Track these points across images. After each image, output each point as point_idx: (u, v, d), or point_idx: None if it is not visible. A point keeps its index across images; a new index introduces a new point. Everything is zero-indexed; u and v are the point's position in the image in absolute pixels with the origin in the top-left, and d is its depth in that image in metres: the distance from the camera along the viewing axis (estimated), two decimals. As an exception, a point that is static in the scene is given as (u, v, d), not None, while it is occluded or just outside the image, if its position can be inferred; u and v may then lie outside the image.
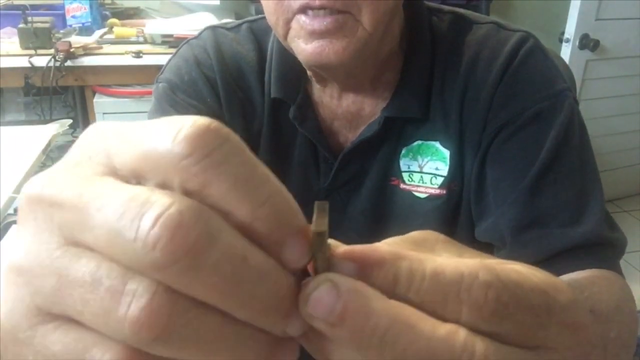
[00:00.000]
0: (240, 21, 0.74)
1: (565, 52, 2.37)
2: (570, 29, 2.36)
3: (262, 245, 0.22)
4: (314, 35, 0.54)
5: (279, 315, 0.22)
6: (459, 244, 0.27)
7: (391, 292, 0.22)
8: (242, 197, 0.21)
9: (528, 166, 0.61)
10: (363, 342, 0.21)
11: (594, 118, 2.67)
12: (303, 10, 0.54)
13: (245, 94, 0.69)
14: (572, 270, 0.56)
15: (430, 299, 0.22)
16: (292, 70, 0.67)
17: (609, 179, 2.85)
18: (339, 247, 0.24)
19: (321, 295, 0.22)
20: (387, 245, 0.24)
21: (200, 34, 0.73)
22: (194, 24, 2.17)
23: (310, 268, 0.24)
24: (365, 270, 0.23)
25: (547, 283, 0.24)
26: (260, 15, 0.71)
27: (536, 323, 0.23)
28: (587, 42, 2.39)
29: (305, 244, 0.22)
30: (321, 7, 0.53)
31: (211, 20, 2.23)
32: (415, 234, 0.27)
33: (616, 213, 2.91)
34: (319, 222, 0.24)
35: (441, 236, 0.27)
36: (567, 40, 2.38)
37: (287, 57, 0.66)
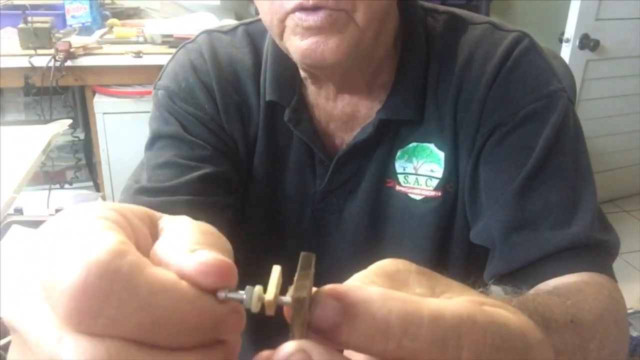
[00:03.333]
0: (236, 24, 0.74)
1: (565, 52, 2.37)
2: (570, 29, 2.36)
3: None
4: (310, 30, 0.54)
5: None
6: (431, 274, 0.27)
7: (380, 337, 0.22)
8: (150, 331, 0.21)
9: (520, 167, 0.61)
10: None
11: (594, 118, 2.67)
12: (297, 9, 0.54)
13: (241, 97, 0.69)
14: (562, 273, 0.56)
15: (428, 345, 0.22)
16: (287, 73, 0.67)
17: (609, 179, 2.85)
18: (324, 287, 0.23)
19: None
20: (374, 285, 0.23)
21: (196, 38, 0.73)
22: (194, 24, 2.17)
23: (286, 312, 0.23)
24: (350, 310, 0.22)
25: (523, 324, 0.25)
26: (256, 18, 0.72)
27: None
28: (587, 42, 2.39)
29: (235, 325, 0.23)
30: (315, 7, 0.53)
31: (211, 20, 2.23)
32: (386, 265, 0.26)
33: (616, 213, 2.91)
34: (299, 284, 0.23)
35: (413, 266, 0.27)
36: (567, 40, 2.38)
37: (282, 60, 0.66)
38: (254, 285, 0.24)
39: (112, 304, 0.21)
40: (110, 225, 0.23)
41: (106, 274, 0.21)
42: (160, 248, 0.24)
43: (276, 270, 0.24)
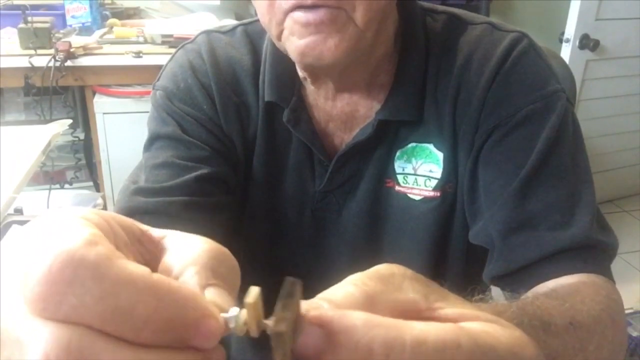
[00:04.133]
0: (234, 24, 0.74)
1: (565, 52, 2.37)
2: (570, 29, 2.36)
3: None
4: (309, 27, 0.54)
5: None
6: (426, 282, 0.27)
7: None
8: (114, 324, 0.21)
9: (518, 168, 0.61)
10: None
11: (594, 118, 2.67)
12: (295, 9, 0.54)
13: (240, 98, 0.69)
14: (561, 274, 0.56)
15: None
16: (286, 74, 0.67)
17: (609, 179, 2.85)
18: (309, 312, 0.23)
19: None
20: (359, 311, 0.23)
21: (195, 38, 0.73)
22: (194, 24, 2.17)
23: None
24: (333, 338, 0.22)
25: (515, 342, 0.24)
26: (254, 18, 0.71)
27: None
28: (587, 42, 2.39)
29: (207, 332, 0.22)
30: (313, 6, 0.53)
31: (211, 20, 2.23)
32: (382, 269, 0.26)
33: (616, 213, 2.91)
34: (280, 315, 0.22)
35: (408, 271, 0.27)
36: (567, 40, 2.38)
37: (281, 61, 0.66)
38: (241, 303, 0.23)
39: (75, 292, 0.21)
40: (88, 223, 0.24)
41: (72, 261, 0.21)
42: (176, 269, 0.25)
43: (254, 292, 0.23)
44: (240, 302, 0.24)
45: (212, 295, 0.24)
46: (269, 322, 0.23)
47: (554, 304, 0.45)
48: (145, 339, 0.22)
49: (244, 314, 0.23)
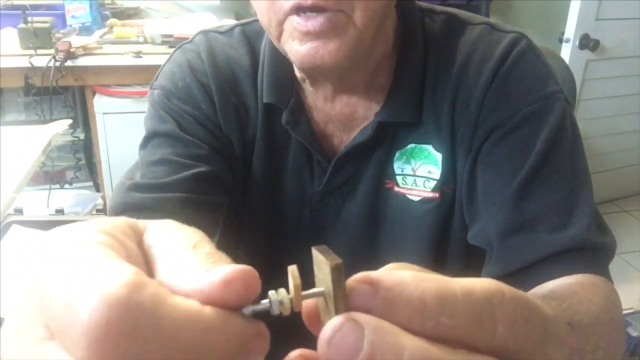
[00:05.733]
0: (232, 24, 0.74)
1: (565, 52, 2.37)
2: (570, 29, 2.36)
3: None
4: (309, 36, 0.54)
5: None
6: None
7: (418, 317, 0.21)
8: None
9: (517, 169, 0.61)
10: None
11: (594, 118, 2.67)
12: (295, 10, 0.54)
13: (239, 98, 0.69)
14: (559, 276, 0.56)
15: (465, 321, 0.21)
16: (284, 75, 0.67)
17: (609, 179, 2.85)
18: (354, 276, 0.23)
19: (345, 336, 0.21)
20: (402, 269, 0.23)
21: (193, 38, 0.73)
22: (193, 24, 2.17)
23: (306, 314, 0.23)
24: (385, 294, 0.22)
25: (536, 299, 0.25)
26: (252, 18, 0.71)
27: (542, 339, 0.23)
28: (587, 42, 2.39)
29: (258, 350, 0.22)
30: (313, 7, 0.53)
31: (211, 20, 2.23)
32: (392, 268, 0.26)
33: (616, 213, 2.91)
34: (331, 257, 0.22)
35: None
36: (567, 40, 2.38)
37: (279, 62, 0.66)
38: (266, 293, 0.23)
39: (137, 342, 0.19)
40: (111, 253, 0.22)
41: (128, 310, 0.19)
42: (169, 274, 0.23)
43: (292, 269, 0.23)
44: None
45: (225, 270, 0.22)
46: (314, 290, 0.23)
47: (552, 304, 0.45)
48: None
49: (283, 291, 0.23)
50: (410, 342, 0.20)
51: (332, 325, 0.21)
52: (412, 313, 0.21)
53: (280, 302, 0.23)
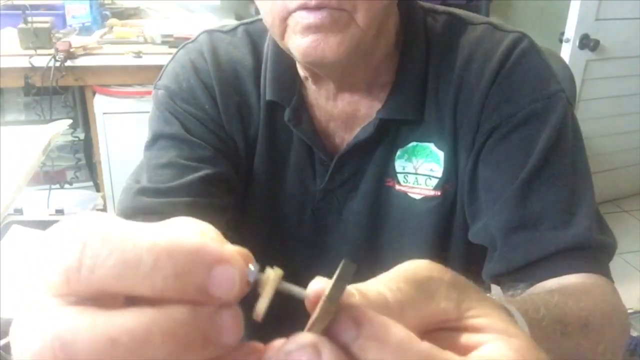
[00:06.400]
0: (236, 24, 0.74)
1: (565, 52, 2.37)
2: (570, 29, 2.36)
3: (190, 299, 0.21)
4: (310, 29, 0.55)
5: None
6: (464, 286, 0.27)
7: None
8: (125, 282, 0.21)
9: (519, 168, 0.61)
10: None
11: (594, 118, 2.67)
12: (300, 9, 0.54)
13: (241, 97, 0.69)
14: (562, 274, 0.56)
15: None
16: (287, 73, 0.67)
17: (609, 179, 2.85)
18: (352, 304, 0.23)
19: (300, 356, 0.21)
20: (400, 327, 0.23)
21: (196, 37, 0.73)
22: (194, 24, 2.17)
23: (310, 301, 0.23)
24: (363, 343, 0.22)
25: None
26: (256, 18, 0.72)
27: None
28: (587, 42, 2.39)
29: (228, 271, 0.22)
30: (317, 7, 0.54)
31: (211, 20, 2.23)
32: (420, 271, 0.26)
33: (616, 213, 2.91)
34: (335, 288, 0.22)
35: (448, 274, 0.26)
36: (567, 40, 2.38)
37: (282, 60, 0.67)
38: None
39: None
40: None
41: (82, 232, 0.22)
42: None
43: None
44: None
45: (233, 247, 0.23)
46: (301, 289, 0.23)
47: (569, 304, 0.46)
48: (160, 291, 0.21)
49: (269, 272, 0.23)
50: None
51: (297, 339, 0.22)
52: None
53: (257, 277, 0.23)
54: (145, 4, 2.61)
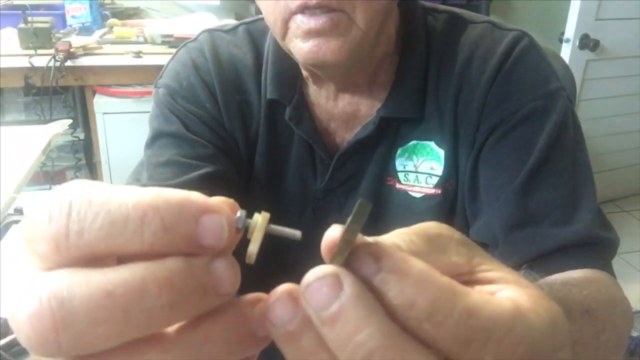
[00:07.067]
0: (236, 23, 0.74)
1: (565, 52, 2.37)
2: (570, 29, 2.36)
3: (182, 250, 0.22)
4: (311, 34, 0.55)
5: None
6: (472, 245, 0.26)
7: (403, 312, 0.21)
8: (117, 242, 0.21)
9: (520, 165, 0.61)
10: (340, 353, 0.20)
11: (594, 118, 2.66)
12: (301, 10, 0.54)
13: (242, 96, 0.70)
14: (564, 270, 0.56)
15: (450, 337, 0.21)
16: (288, 72, 0.68)
17: (609, 179, 2.85)
18: (370, 242, 0.22)
19: (321, 286, 0.21)
20: (419, 261, 0.22)
21: (197, 37, 0.73)
22: (194, 24, 2.17)
23: (325, 246, 0.23)
24: (384, 277, 0.21)
25: (555, 319, 0.24)
26: (257, 17, 0.72)
27: None
28: (587, 42, 2.39)
29: (215, 219, 0.22)
30: (318, 7, 0.54)
31: (211, 20, 2.23)
32: (429, 227, 0.26)
33: (616, 213, 2.91)
34: (350, 227, 0.22)
35: (457, 234, 0.26)
36: (567, 40, 2.38)
37: (283, 59, 0.67)
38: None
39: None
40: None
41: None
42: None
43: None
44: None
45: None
46: (292, 230, 0.24)
47: (572, 290, 0.46)
48: (150, 246, 0.21)
49: (256, 216, 0.24)
50: (377, 325, 0.20)
51: (316, 271, 0.21)
52: (399, 305, 0.21)
53: (244, 223, 0.24)
54: (145, 4, 2.62)
